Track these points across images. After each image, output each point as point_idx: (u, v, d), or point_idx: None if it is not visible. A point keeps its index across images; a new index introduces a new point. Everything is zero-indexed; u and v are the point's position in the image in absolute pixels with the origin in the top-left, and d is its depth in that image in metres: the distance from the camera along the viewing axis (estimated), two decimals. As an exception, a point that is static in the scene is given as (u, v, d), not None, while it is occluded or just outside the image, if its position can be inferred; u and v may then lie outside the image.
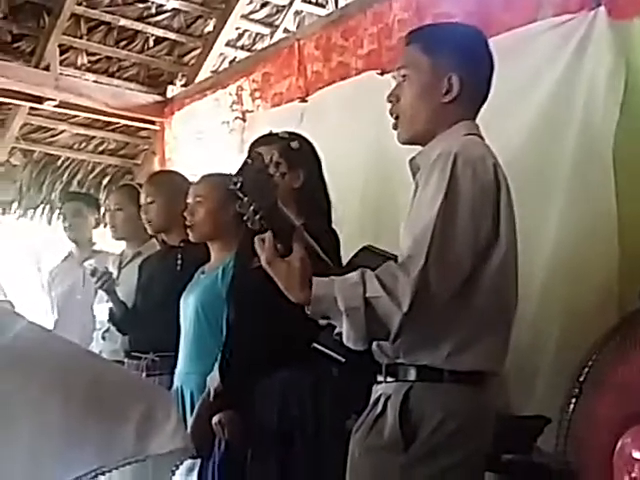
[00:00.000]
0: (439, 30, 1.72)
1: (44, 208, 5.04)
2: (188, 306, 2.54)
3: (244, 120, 3.72)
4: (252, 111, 3.69)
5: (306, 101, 3.34)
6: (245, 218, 1.32)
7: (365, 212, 2.85)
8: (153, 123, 4.69)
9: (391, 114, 1.64)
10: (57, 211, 4.99)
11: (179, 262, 2.78)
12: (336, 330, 1.45)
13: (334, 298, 1.35)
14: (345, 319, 1.35)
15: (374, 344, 1.56)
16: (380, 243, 1.69)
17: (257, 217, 1.31)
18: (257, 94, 3.68)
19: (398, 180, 2.41)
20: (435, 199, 1.41)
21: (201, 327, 2.49)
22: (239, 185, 1.29)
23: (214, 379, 2.20)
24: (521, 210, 1.56)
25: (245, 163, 1.32)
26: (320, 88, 3.29)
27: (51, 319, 3.66)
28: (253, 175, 1.30)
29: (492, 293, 1.49)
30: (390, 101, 1.64)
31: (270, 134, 2.23)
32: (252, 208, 1.30)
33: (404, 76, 1.61)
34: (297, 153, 2.16)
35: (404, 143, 1.65)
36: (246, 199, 1.30)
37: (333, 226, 2.18)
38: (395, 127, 1.64)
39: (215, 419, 2.14)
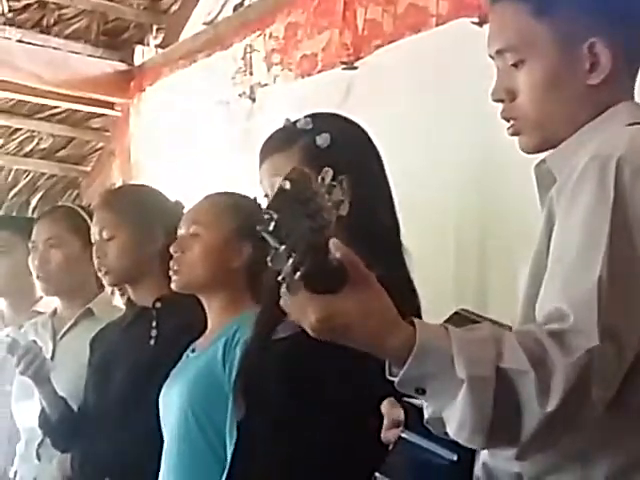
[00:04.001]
0: None
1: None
2: (172, 404, 2.57)
3: (253, 99, 3.81)
4: (266, 85, 3.77)
5: (355, 68, 3.40)
6: (281, 277, 1.32)
7: (461, 256, 2.86)
8: (112, 106, 4.78)
9: (505, 118, 1.70)
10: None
11: (153, 334, 2.84)
12: (428, 414, 1.47)
13: (450, 356, 1.34)
14: (464, 392, 1.33)
15: (477, 467, 1.57)
16: (487, 308, 1.65)
17: (298, 276, 1.30)
18: (276, 57, 3.74)
19: (518, 202, 2.48)
20: (596, 236, 1.43)
21: (191, 437, 2.53)
22: (272, 225, 1.27)
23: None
24: None
25: (281, 190, 1.29)
26: (378, 47, 3.32)
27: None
28: (294, 210, 1.29)
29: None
30: (500, 100, 1.69)
31: (285, 127, 2.26)
32: (291, 262, 1.29)
33: (517, 63, 1.65)
34: (326, 154, 2.16)
35: (531, 152, 1.70)
36: (282, 248, 1.28)
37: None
38: (515, 133, 1.69)
39: None
